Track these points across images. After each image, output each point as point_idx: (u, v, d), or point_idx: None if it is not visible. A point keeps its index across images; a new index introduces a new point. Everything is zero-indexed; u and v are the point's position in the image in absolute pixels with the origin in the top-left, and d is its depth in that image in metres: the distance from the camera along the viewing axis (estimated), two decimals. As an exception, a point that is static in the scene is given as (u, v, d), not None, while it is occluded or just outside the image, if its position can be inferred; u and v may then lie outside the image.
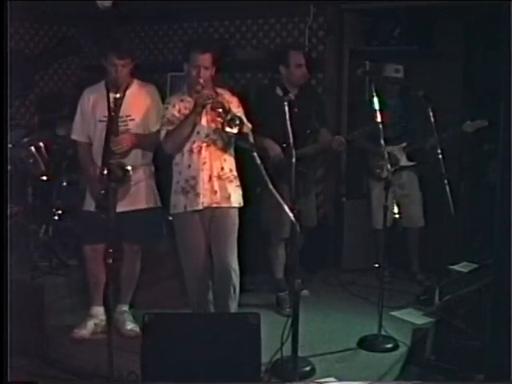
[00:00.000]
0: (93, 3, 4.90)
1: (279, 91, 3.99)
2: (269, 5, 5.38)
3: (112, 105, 3.68)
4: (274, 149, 4.11)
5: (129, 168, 3.49)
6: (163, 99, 3.88)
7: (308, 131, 4.34)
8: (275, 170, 3.65)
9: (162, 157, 3.86)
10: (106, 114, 3.74)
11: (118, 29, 6.05)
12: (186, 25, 6.06)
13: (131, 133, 3.75)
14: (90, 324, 3.90)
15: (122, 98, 3.69)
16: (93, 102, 3.84)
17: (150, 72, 5.96)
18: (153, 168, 3.96)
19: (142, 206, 3.85)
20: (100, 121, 3.79)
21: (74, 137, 3.96)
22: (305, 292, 4.61)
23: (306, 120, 4.27)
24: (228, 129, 3.42)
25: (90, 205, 3.81)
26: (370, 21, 5.56)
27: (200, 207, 3.64)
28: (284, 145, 3.86)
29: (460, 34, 5.42)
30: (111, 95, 3.75)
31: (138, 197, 3.81)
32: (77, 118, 3.92)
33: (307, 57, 4.37)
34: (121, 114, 3.71)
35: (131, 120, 3.76)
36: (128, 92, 3.79)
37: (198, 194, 3.62)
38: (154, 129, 3.81)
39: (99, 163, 3.76)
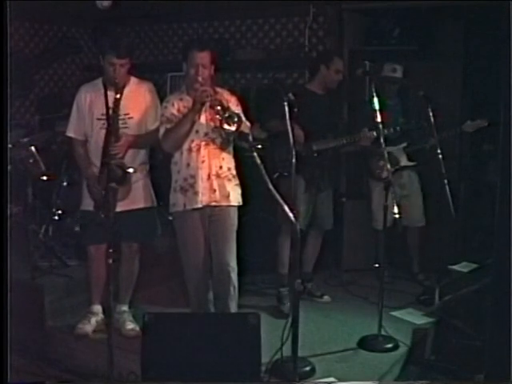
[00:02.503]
0: (93, 3, 4.91)
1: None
2: (269, 5, 5.38)
3: (112, 105, 3.65)
4: (298, 133, 4.06)
5: (129, 169, 3.50)
6: (161, 97, 3.86)
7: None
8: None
9: (161, 156, 3.85)
10: (104, 112, 3.70)
11: (118, 28, 6.06)
12: (185, 25, 6.07)
13: (129, 135, 3.72)
14: (93, 321, 3.89)
15: (120, 98, 3.64)
16: (90, 99, 3.79)
17: (149, 72, 5.98)
18: (148, 167, 3.93)
19: (141, 205, 3.84)
20: (98, 119, 3.75)
21: (69, 134, 3.88)
22: (326, 298, 4.63)
23: (332, 117, 4.43)
24: (226, 126, 3.41)
25: (88, 204, 3.79)
26: (370, 21, 5.56)
27: (199, 206, 3.63)
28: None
29: (460, 34, 5.42)
30: (109, 94, 3.71)
31: (136, 196, 3.80)
32: (73, 114, 3.86)
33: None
34: (119, 112, 3.67)
35: (130, 118, 3.72)
36: (126, 90, 3.72)
37: (196, 193, 3.62)
38: (152, 127, 3.79)
39: (96, 162, 3.74)
